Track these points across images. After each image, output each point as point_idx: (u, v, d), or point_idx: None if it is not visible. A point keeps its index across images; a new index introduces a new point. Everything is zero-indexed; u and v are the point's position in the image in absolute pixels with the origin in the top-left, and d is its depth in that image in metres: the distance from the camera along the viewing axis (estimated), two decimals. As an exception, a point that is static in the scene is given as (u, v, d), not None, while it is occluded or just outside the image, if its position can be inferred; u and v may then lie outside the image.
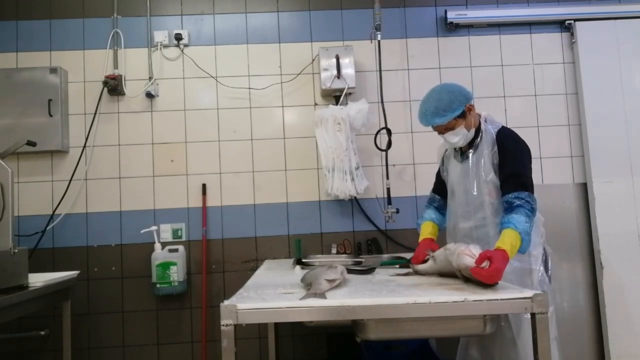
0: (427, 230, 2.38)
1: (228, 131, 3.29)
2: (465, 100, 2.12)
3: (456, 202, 2.30)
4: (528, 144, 2.16)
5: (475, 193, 2.19)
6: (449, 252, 1.88)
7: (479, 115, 2.23)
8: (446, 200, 2.43)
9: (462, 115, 2.12)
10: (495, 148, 2.13)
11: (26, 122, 3.09)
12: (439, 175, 2.49)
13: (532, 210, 1.97)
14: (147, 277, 3.07)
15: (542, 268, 2.16)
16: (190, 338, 3.17)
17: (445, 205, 2.45)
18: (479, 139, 2.20)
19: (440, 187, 2.46)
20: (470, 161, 2.21)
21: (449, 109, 2.09)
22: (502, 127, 2.20)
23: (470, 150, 2.22)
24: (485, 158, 2.16)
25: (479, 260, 1.74)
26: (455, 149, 2.30)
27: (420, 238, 2.35)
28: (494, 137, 2.15)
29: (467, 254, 1.78)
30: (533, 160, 2.14)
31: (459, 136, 2.15)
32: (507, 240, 1.86)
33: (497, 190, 2.12)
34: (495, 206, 2.14)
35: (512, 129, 2.20)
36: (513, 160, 2.08)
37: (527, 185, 2.02)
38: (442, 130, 2.17)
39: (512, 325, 2.08)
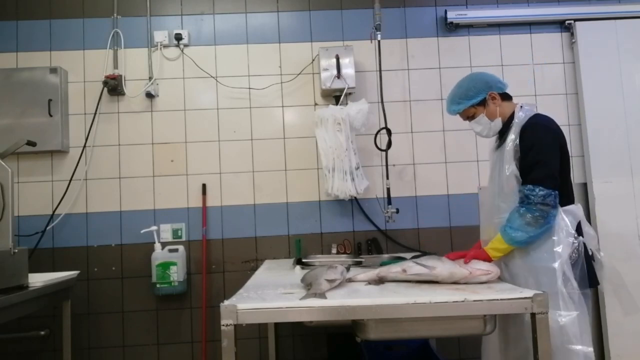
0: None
1: (228, 131, 3.29)
2: (487, 87, 2.08)
3: (488, 192, 2.23)
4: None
5: (502, 185, 2.07)
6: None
7: (515, 105, 2.09)
8: None
9: (483, 104, 2.08)
10: (518, 138, 1.99)
11: (26, 122, 3.09)
12: None
13: (530, 204, 1.90)
14: (147, 277, 3.07)
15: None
16: (190, 338, 3.17)
17: None
18: (509, 129, 2.05)
19: None
20: (499, 152, 2.11)
21: (465, 97, 2.08)
22: (534, 115, 2.03)
23: (500, 141, 2.14)
24: (508, 148, 2.03)
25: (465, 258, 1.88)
26: (496, 138, 2.21)
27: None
28: (521, 126, 2.01)
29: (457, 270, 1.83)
30: None
31: (482, 125, 2.12)
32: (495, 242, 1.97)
33: (518, 183, 2.01)
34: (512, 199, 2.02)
35: (545, 116, 2.05)
36: (529, 151, 1.96)
37: (537, 179, 1.92)
38: (465, 118, 2.15)
39: None
